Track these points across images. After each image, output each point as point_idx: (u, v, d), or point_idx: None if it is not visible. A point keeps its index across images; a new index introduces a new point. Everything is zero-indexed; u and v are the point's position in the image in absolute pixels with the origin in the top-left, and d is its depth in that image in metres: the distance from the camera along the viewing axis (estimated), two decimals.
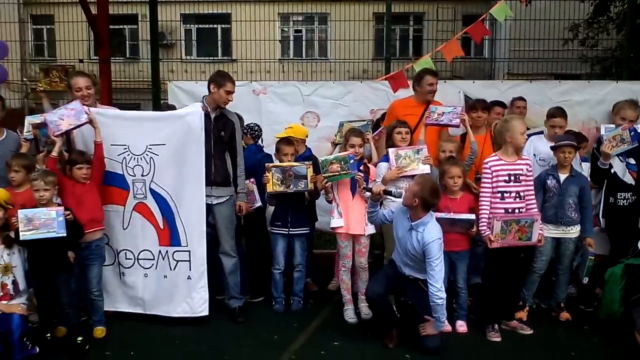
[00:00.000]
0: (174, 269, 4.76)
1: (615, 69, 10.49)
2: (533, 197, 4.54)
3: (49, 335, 4.19)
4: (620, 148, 5.08)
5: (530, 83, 6.59)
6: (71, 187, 4.41)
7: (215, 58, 16.64)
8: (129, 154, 4.71)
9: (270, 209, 5.32)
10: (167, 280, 4.78)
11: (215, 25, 17.38)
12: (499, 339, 4.47)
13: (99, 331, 4.49)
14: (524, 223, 4.40)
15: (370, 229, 4.88)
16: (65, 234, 3.99)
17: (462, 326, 4.65)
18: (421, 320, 4.27)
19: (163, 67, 7.52)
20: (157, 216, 4.77)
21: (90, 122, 4.50)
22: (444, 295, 4.08)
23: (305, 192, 5.11)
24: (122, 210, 4.77)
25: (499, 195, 4.46)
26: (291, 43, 17.23)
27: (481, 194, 4.53)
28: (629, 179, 5.17)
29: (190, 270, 4.73)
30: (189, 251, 4.73)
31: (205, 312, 4.73)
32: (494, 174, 4.47)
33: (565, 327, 4.79)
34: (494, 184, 4.47)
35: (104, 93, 6.15)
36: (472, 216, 4.55)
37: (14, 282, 4.08)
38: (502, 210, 4.44)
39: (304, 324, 4.80)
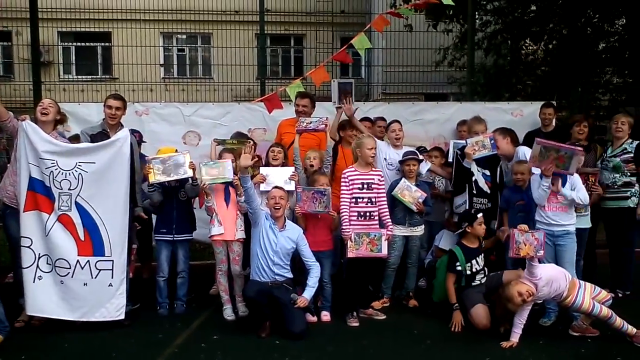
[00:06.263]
0: (96, 277, 4.96)
1: (479, 89, 11.78)
2: (385, 203, 5.31)
3: None
4: (482, 153, 5.69)
5: (388, 104, 7.47)
6: None
7: (95, 77, 16.35)
8: (56, 169, 4.90)
9: None
10: (86, 288, 4.94)
11: (94, 44, 17.03)
12: (357, 324, 5.16)
13: None
14: (374, 236, 5.13)
15: (240, 234, 5.42)
16: None
17: (326, 315, 5.29)
18: (286, 312, 4.89)
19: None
20: (79, 228, 4.94)
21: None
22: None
23: (191, 195, 5.51)
24: (47, 218, 4.91)
25: (354, 200, 5.19)
26: (174, 63, 17.32)
27: (341, 199, 5.22)
28: (485, 187, 5.76)
29: (112, 278, 5.00)
30: (112, 261, 4.99)
31: (122, 316, 5.02)
32: (350, 182, 5.20)
33: (413, 313, 5.57)
34: (351, 191, 5.19)
35: None
36: (329, 189, 5.24)
37: None
38: (356, 213, 5.18)
39: (186, 324, 5.19)
